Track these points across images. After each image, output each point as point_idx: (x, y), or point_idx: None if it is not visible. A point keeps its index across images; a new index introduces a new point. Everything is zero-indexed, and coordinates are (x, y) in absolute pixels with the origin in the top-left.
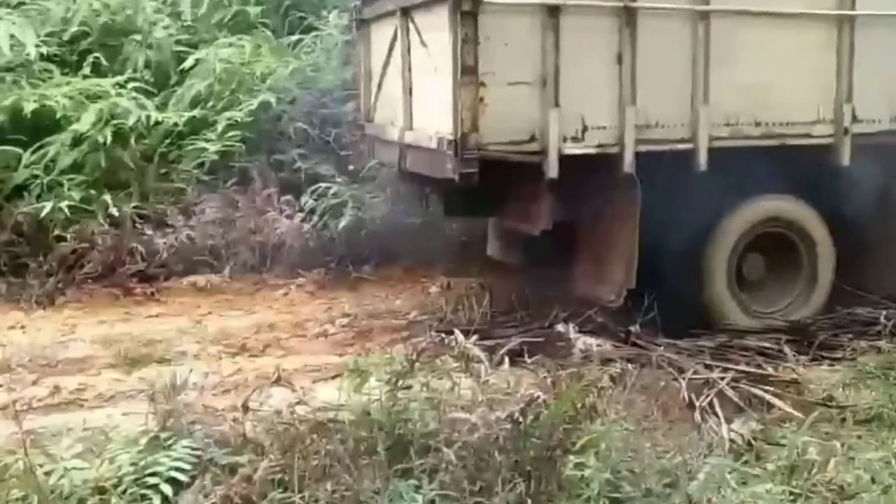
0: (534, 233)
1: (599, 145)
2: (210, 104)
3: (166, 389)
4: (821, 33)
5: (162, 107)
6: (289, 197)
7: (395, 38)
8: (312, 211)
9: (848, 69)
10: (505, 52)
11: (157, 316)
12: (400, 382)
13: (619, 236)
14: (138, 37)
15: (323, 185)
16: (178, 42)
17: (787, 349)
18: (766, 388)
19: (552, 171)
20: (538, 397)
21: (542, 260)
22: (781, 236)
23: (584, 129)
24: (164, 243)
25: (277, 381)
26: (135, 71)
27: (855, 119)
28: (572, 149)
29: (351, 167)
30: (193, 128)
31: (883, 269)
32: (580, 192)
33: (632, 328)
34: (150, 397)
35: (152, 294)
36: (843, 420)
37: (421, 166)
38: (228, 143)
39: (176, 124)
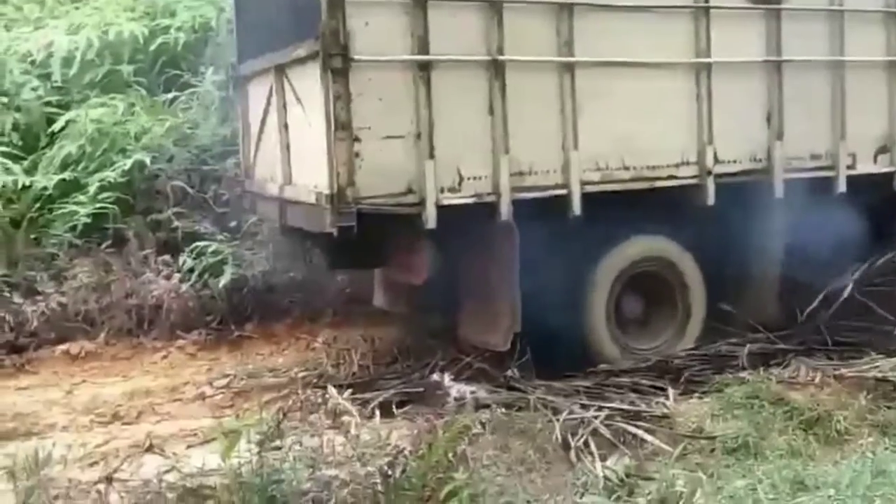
0: (416, 283)
1: (476, 195)
2: (82, 166)
3: (28, 465)
4: (681, 80)
5: (31, 170)
6: (166, 257)
7: (271, 95)
8: (191, 270)
9: (708, 113)
10: (378, 106)
11: (26, 388)
12: (268, 443)
13: (502, 282)
14: (5, 99)
15: (202, 243)
16: (47, 104)
17: (658, 384)
18: (639, 423)
19: (430, 221)
20: (404, 449)
21: (428, 308)
22: (656, 275)
23: (461, 179)
24: (34, 311)
25: (149, 449)
26: (2, 134)
27: (717, 160)
28: (450, 199)
29: (232, 224)
30: (64, 191)
31: (753, 301)
32: (460, 240)
33: (509, 372)
34: (10, 474)
35: (22, 365)
36: (713, 450)
37: (301, 221)
38: (101, 205)
39: (45, 188)
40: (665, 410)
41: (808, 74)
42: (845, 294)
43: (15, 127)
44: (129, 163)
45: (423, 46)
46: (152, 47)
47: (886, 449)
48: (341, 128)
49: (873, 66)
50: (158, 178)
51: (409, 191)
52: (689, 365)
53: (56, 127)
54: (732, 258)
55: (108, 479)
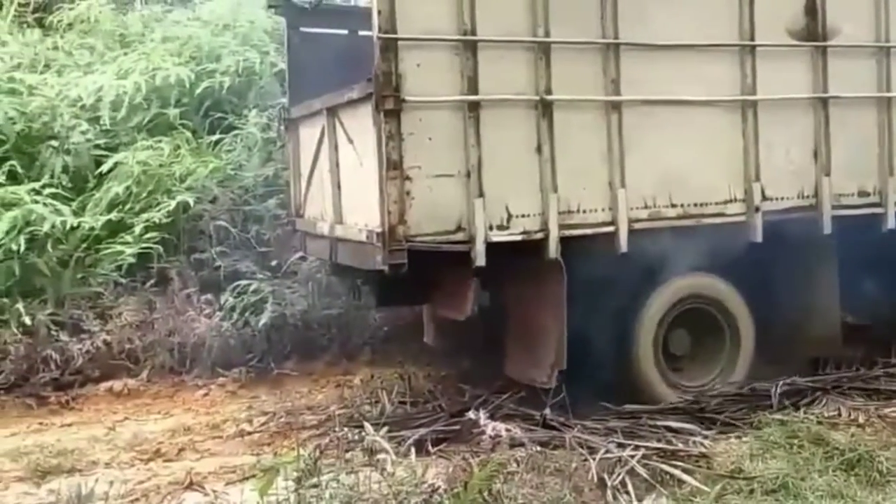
0: (460, 318)
1: (524, 232)
2: (128, 207)
3: (71, 501)
4: (727, 118)
5: (80, 211)
6: (208, 296)
7: (322, 136)
8: (233, 309)
9: (755, 150)
10: (429, 146)
11: (70, 425)
12: (305, 481)
13: (548, 320)
14: (55, 143)
15: (243, 282)
16: (96, 146)
17: (695, 423)
18: (677, 463)
19: (479, 259)
20: (440, 487)
21: (476, 345)
22: (705, 312)
23: (509, 217)
24: (80, 349)
25: (189, 486)
26: (52, 176)
27: (764, 197)
28: (498, 237)
29: (273, 263)
30: (111, 231)
31: (800, 339)
32: (508, 277)
33: (546, 411)
34: None
35: (67, 402)
36: (752, 491)
37: (351, 259)
38: (146, 244)
39: (93, 228)
40: (703, 450)
41: (855, 111)
42: None
43: (64, 169)
44: (173, 203)
45: (473, 86)
46: (198, 91)
47: None
48: (393, 167)
49: None
50: (202, 219)
51: (459, 228)
52: (722, 404)
53: (104, 169)
54: (782, 294)
55: None
